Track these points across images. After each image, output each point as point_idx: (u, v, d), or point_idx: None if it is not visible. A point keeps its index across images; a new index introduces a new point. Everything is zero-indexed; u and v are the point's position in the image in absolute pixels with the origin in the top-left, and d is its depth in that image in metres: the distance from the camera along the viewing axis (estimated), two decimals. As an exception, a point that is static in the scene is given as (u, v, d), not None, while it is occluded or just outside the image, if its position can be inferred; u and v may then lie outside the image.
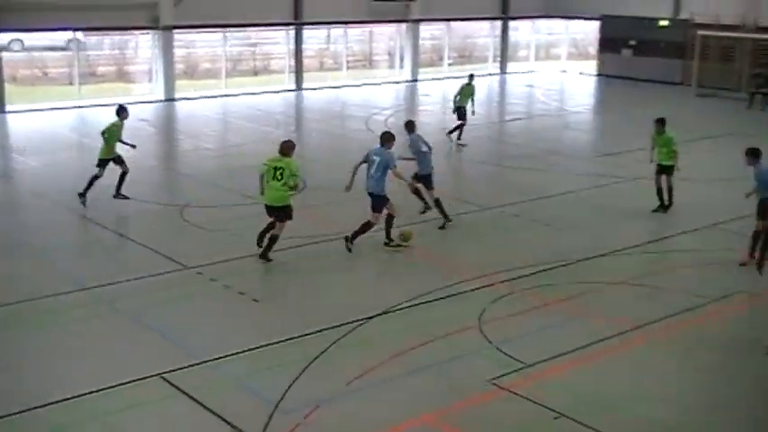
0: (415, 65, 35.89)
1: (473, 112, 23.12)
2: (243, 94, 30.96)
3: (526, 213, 16.45)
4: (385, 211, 14.13)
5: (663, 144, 16.37)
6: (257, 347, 10.42)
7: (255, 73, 34.18)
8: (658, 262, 13.90)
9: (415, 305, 11.84)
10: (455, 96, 23.21)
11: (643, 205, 17.06)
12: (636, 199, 17.68)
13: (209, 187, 18.13)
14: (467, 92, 23.06)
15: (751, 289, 12.63)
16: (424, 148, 15.48)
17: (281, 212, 13.45)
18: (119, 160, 16.62)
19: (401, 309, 11.71)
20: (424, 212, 15.54)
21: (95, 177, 16.36)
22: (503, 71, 38.82)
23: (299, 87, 32.61)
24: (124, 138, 16.76)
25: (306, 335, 10.78)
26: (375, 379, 9.68)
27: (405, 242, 14.32)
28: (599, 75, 38.03)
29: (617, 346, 10.69)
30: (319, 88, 33.00)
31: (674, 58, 34.99)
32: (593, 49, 40.03)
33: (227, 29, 31.40)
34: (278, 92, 31.90)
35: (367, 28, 36.27)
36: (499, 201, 17.21)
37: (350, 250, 13.99)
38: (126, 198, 16.73)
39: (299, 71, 32.81)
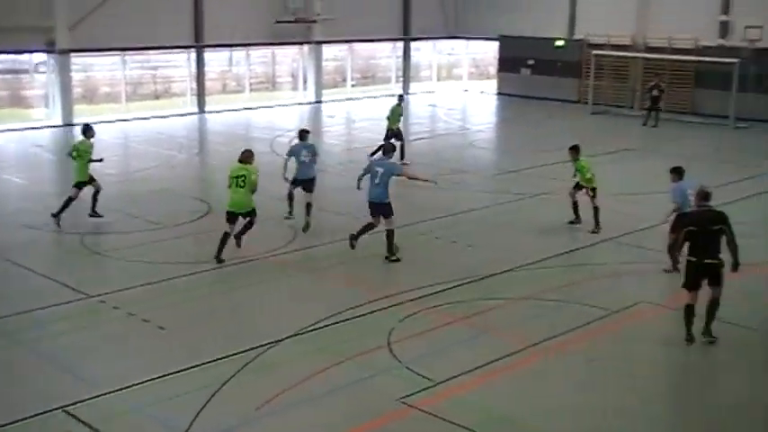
0: (319, 86, 35.97)
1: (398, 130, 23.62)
2: (144, 117, 30.49)
3: (433, 231, 16.63)
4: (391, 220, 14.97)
5: (579, 170, 16.82)
6: (163, 376, 10.22)
7: (157, 96, 33.67)
8: (562, 276, 14.20)
9: (326, 326, 11.81)
10: (388, 117, 23.57)
11: (546, 220, 17.47)
12: (539, 215, 18.07)
13: (112, 213, 17.73)
14: (397, 112, 23.50)
15: (653, 299, 13.03)
16: (303, 158, 16.76)
17: (245, 217, 14.65)
18: (91, 179, 16.82)
19: (311, 330, 11.67)
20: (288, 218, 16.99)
21: (70, 199, 16.58)
22: (405, 91, 39.22)
23: (201, 110, 32.29)
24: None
25: (214, 360, 10.63)
26: (285, 402, 9.61)
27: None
28: (499, 94, 38.84)
29: (523, 361, 10.87)
30: (222, 111, 32.73)
31: (570, 77, 36.02)
32: (493, 68, 40.86)
33: (126, 52, 30.89)
34: (180, 115, 31.52)
35: (269, 50, 36.17)
36: (406, 220, 17.31)
37: (398, 260, 14.80)
38: (100, 216, 16.85)
39: (201, 94, 32.50)
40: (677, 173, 14.30)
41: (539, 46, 37.00)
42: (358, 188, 15.57)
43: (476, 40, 40.96)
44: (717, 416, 9.75)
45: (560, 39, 36.54)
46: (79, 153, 16.65)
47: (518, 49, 37.83)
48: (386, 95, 37.98)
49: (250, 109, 33.38)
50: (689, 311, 11.42)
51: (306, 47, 35.54)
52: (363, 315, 12.23)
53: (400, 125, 23.43)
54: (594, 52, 33.92)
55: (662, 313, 12.62)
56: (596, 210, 16.67)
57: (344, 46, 37.54)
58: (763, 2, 30.86)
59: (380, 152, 21.92)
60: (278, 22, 33.09)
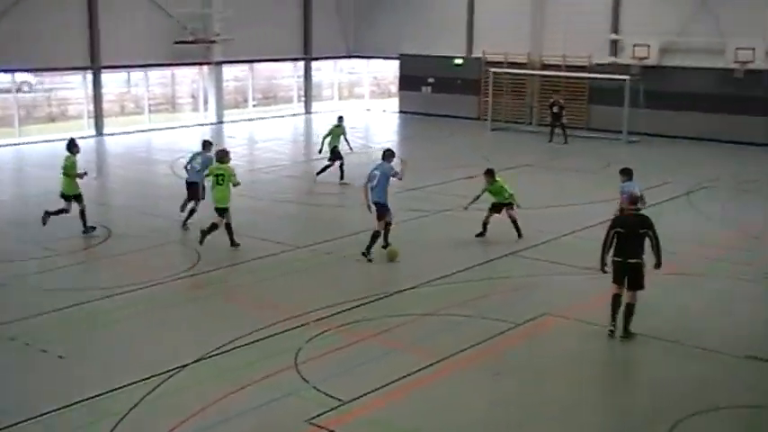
0: (220, 107, 35.62)
1: (350, 149, 24.12)
2: (39, 141, 29.60)
3: (338, 250, 16.61)
4: (383, 220, 16.14)
5: (497, 193, 17.12)
6: (62, 407, 9.89)
7: (52, 119, 32.79)
8: (468, 290, 14.35)
9: (231, 349, 11.65)
10: (324, 137, 23.75)
11: (450, 236, 17.68)
12: (443, 231, 18.27)
13: (5, 240, 17.16)
14: (337, 132, 23.61)
15: (557, 310, 13.30)
16: (195, 164, 18.20)
17: (226, 210, 16.34)
18: (79, 198, 17.32)
19: (216, 354, 11.49)
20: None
21: (63, 210, 17.31)
22: (307, 111, 39.24)
23: (99, 133, 31.53)
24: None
25: (116, 389, 10.36)
26: (192, 429, 9.42)
27: (391, 261, 15.27)
28: (401, 112, 39.20)
29: (432, 376, 10.94)
30: (121, 133, 32.05)
31: (470, 94, 36.63)
32: (394, 87, 41.24)
33: (18, 73, 29.98)
34: (78, 138, 30.65)
35: (169, 70, 35.69)
36: (310, 239, 17.30)
37: (370, 260, 15.80)
38: (94, 229, 17.54)
39: (98, 116, 31.75)
40: (626, 174, 15.88)
41: (438, 64, 37.54)
42: (366, 198, 16.21)
43: (376, 59, 41.31)
44: (623, 427, 10.02)
45: (459, 57, 37.16)
46: (67, 169, 17.25)
47: (418, 67, 38.30)
48: (289, 115, 38.01)
49: (150, 131, 32.80)
50: (615, 301, 12.34)
51: (206, 67, 35.18)
52: (270, 336, 12.11)
53: (344, 145, 23.63)
54: (492, 70, 34.61)
55: (566, 324, 12.89)
56: (515, 222, 17.22)
57: (245, 66, 37.30)
58: (651, 22, 32.08)
59: (326, 169, 22.75)
60: (177, 42, 32.67)
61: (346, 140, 23.82)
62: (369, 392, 10.32)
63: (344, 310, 13.14)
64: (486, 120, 34.48)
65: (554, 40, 34.62)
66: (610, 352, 12.04)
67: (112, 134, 31.64)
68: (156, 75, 35.15)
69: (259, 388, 10.45)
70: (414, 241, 17.53)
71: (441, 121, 35.84)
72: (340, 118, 24.38)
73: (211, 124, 34.83)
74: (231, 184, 16.37)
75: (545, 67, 34.87)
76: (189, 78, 36.73)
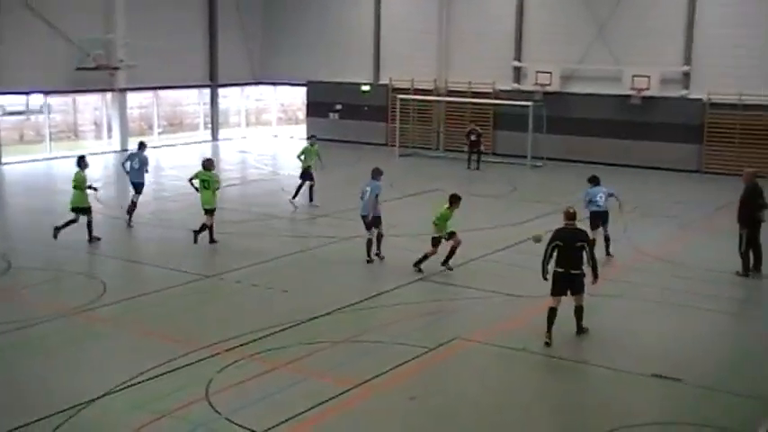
0: (124, 134, 34.94)
1: (322, 167, 24.40)
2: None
3: (247, 279, 16.45)
4: (374, 230, 17.70)
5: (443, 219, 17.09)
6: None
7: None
8: (380, 316, 14.40)
9: (141, 382, 11.38)
10: (299, 156, 24.05)
11: (360, 262, 17.70)
12: (352, 257, 18.28)
13: None
14: (311, 152, 23.85)
15: (467, 334, 13.44)
16: (134, 164, 21.19)
17: (213, 211, 18.95)
18: (88, 210, 18.98)
19: (125, 387, 11.21)
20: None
21: (72, 221, 18.85)
22: (214, 138, 38.87)
23: (-4, 162, 30.60)
24: None
25: (19, 428, 9.99)
26: (101, 466, 9.16)
27: (537, 242, 14.66)
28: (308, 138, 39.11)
29: (346, 403, 10.91)
30: (20, 162, 31.11)
31: (377, 120, 36.92)
32: (301, 113, 41.24)
33: None
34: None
35: (70, 97, 34.87)
36: (219, 268, 17.10)
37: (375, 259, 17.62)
38: (99, 239, 19.06)
39: (-4, 144, 30.80)
40: (593, 181, 18.71)
41: (346, 91, 37.74)
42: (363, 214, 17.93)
43: (283, 86, 41.28)
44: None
45: (366, 84, 37.44)
46: (77, 183, 18.96)
47: (326, 94, 38.43)
48: (195, 142, 37.56)
49: (51, 159, 31.93)
50: (552, 314, 13.10)
51: (109, 94, 34.54)
52: (180, 368, 11.89)
53: (317, 165, 24.03)
54: (399, 96, 34.98)
55: (476, 347, 13.04)
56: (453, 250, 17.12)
57: (150, 93, 36.77)
58: (552, 50, 33.01)
59: (309, 194, 23.46)
60: (79, 68, 31.97)
61: (319, 159, 24.15)
62: (283, 422, 10.22)
63: (256, 339, 13.01)
64: (393, 146, 34.77)
65: (459, 67, 35.29)
66: (520, 374, 12.22)
67: (11, 163, 30.70)
68: (57, 102, 34.30)
69: (170, 421, 10.24)
70: (324, 268, 17.51)
71: (349, 147, 35.96)
72: (313, 137, 24.85)
73: (115, 152, 34.14)
74: (214, 189, 18.92)
75: (451, 93, 35.45)
76: (91, 105, 35.96)
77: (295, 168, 25.20)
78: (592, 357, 12.65)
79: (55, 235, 18.70)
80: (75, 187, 19.17)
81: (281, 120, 43.00)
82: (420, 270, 16.93)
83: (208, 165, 19.41)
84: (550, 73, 32.68)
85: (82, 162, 19.52)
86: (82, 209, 19.03)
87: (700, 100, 30.69)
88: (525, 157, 31.43)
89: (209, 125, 39.20)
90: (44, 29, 31.36)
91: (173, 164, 31.70)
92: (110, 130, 35.08)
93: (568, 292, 13.19)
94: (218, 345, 12.72)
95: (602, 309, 14.98)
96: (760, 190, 17.17)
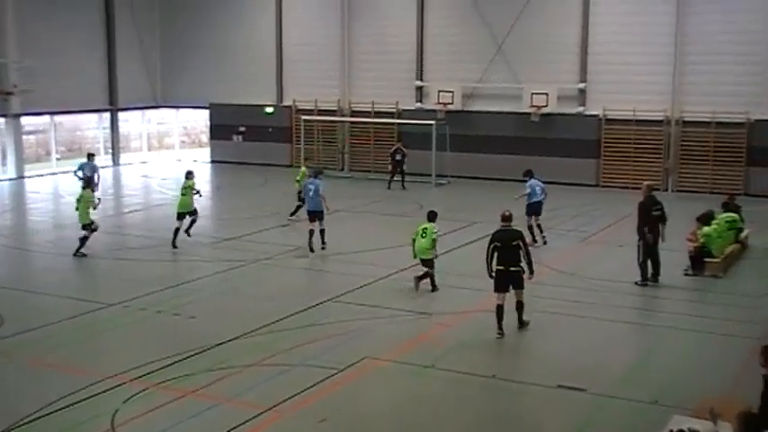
0: (20, 161, 33.94)
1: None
2: None
3: (154, 305, 16.15)
4: (317, 223, 20.17)
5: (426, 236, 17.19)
6: None
7: None
8: (289, 339, 14.29)
9: (43, 416, 11.05)
10: (297, 181, 24.41)
11: (269, 285, 17.65)
12: (261, 280, 18.19)
13: None
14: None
15: (377, 353, 13.48)
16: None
17: (190, 215, 21.26)
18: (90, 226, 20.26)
19: (28, 422, 10.86)
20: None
21: (86, 238, 20.06)
22: (116, 163, 38.10)
23: None
24: None
25: None
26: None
27: None
28: (213, 161, 38.80)
29: (257, 428, 10.81)
30: None
31: (282, 142, 36.81)
32: (205, 136, 40.82)
33: None
34: None
35: (-39, 124, 33.74)
36: (124, 295, 16.73)
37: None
38: (85, 255, 19.93)
39: None
40: (528, 174, 21.66)
41: (249, 113, 37.54)
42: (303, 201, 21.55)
43: (186, 109, 40.82)
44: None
45: (270, 105, 37.34)
46: (84, 201, 20.41)
47: (229, 116, 38.15)
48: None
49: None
50: (499, 310, 14.29)
51: (2, 119, 33.51)
52: (84, 400, 11.58)
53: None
54: (303, 117, 34.99)
55: (385, 366, 13.10)
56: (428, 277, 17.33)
57: (47, 118, 35.81)
58: (454, 69, 33.59)
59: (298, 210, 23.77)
60: (-32, 94, 31.01)
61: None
62: (192, 450, 10.07)
63: (163, 367, 12.78)
64: (299, 167, 34.63)
65: (362, 88, 35.57)
66: (430, 391, 12.32)
67: None
68: (-53, 129, 33.12)
69: (75, 455, 9.97)
70: (232, 292, 17.35)
71: (254, 169, 35.76)
72: (306, 159, 25.43)
73: (11, 180, 33.13)
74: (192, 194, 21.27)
75: (355, 113, 35.67)
76: (-15, 132, 34.80)
77: (202, 194, 24.86)
78: (499, 371, 12.86)
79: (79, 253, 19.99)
80: (81, 205, 20.67)
81: (184, 143, 42.45)
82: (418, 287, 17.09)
83: (188, 176, 21.66)
84: (452, 92, 33.22)
85: (90, 183, 23.33)
86: (87, 224, 20.46)
87: (596, 116, 31.66)
88: (430, 175, 31.79)
89: (110, 150, 38.38)
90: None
91: (72, 190, 30.86)
92: (4, 156, 34.00)
93: (510, 288, 14.33)
94: (124, 374, 12.45)
95: (506, 323, 15.26)
96: (651, 202, 17.76)
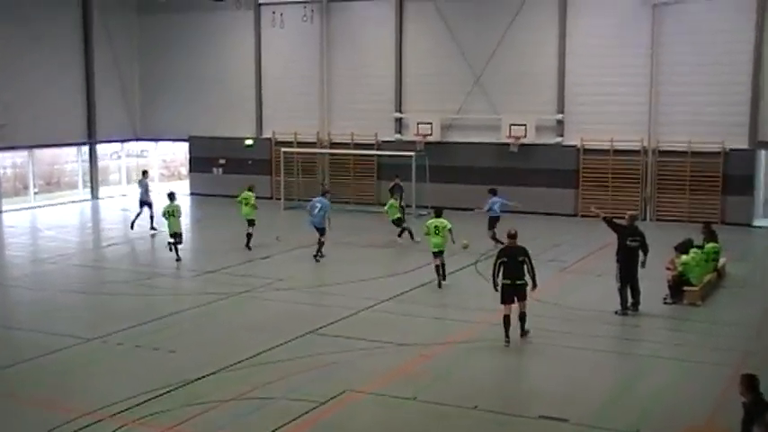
0: (-2, 195, 33.76)
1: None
2: None
3: (132, 339, 16.01)
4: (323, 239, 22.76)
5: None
6: None
7: None
8: (269, 372, 14.19)
9: (19, 455, 10.90)
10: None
11: (249, 318, 17.57)
12: (241, 313, 18.11)
13: None
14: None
15: (358, 386, 13.42)
16: None
17: (179, 236, 23.37)
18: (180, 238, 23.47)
19: (2, 461, 10.72)
20: None
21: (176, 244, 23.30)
22: (94, 197, 37.92)
23: None
24: None
25: None
26: None
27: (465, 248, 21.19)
28: (192, 194, 38.70)
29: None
30: None
31: (262, 174, 36.76)
32: (184, 169, 40.75)
33: None
34: None
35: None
36: (102, 330, 16.58)
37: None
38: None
39: None
40: (492, 192, 25.38)
41: (229, 145, 37.56)
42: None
43: (165, 142, 40.79)
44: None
45: (249, 138, 37.37)
46: (173, 212, 23.44)
47: (209, 149, 38.13)
48: (74, 201, 36.57)
49: None
50: (506, 320, 15.44)
51: (-20, 154, 33.37)
52: (62, 437, 11.45)
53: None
54: (283, 150, 35.02)
55: (367, 398, 13.04)
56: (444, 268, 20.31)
57: (24, 152, 35.63)
58: (432, 100, 33.83)
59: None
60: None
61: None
62: (171, 487, 9.95)
63: (142, 402, 12.65)
64: (279, 199, 34.70)
65: (341, 119, 35.73)
66: (411, 424, 12.25)
67: None
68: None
69: (52, 493, 9.82)
70: (212, 325, 17.25)
71: (234, 202, 35.59)
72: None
73: (-11, 213, 32.90)
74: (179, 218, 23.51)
75: (334, 145, 35.77)
76: (-39, 166, 34.60)
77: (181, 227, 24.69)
78: (481, 403, 12.81)
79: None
80: (170, 217, 23.38)
81: (163, 176, 42.33)
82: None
83: (170, 197, 23.95)
84: (431, 123, 33.39)
85: (172, 196, 24.31)
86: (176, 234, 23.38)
87: (574, 146, 31.90)
88: (410, 206, 31.82)
89: (89, 183, 38.22)
90: None
91: (50, 224, 30.72)
92: (-19, 191, 33.79)
93: (515, 300, 15.50)
94: (102, 410, 12.31)
95: (486, 353, 15.27)
96: (629, 232, 17.86)
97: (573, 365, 14.77)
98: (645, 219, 30.48)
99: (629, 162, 31.10)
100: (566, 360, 15.02)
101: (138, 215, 28.44)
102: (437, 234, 20.02)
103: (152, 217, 27.97)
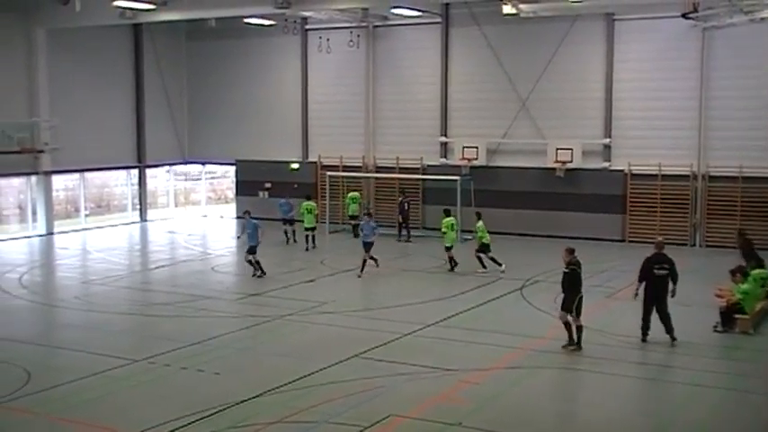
0: (50, 218, 34.36)
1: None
2: None
3: (178, 361, 16.15)
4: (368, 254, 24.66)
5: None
6: None
7: None
8: (314, 396, 14.19)
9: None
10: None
11: (294, 341, 17.60)
12: (286, 336, 18.16)
13: None
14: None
15: (402, 410, 13.36)
16: None
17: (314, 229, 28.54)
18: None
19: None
20: None
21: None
22: (143, 219, 38.47)
23: None
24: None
25: None
26: None
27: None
28: (238, 217, 39.00)
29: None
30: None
31: (308, 198, 36.83)
32: (231, 192, 41.17)
33: None
34: None
35: (-7, 181, 34.18)
36: (148, 351, 16.75)
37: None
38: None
39: None
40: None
41: (275, 169, 37.88)
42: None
43: (212, 165, 41.29)
44: None
45: (295, 161, 37.65)
46: (310, 210, 28.62)
47: (255, 172, 38.49)
48: (124, 223, 37.13)
49: (-27, 244, 31.20)
50: (571, 326, 16.80)
51: (34, 177, 34.03)
52: (108, 457, 11.55)
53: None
54: (328, 173, 35.20)
55: (411, 423, 12.97)
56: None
57: (76, 175, 36.32)
58: (478, 125, 33.82)
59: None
60: (1, 152, 31.51)
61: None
62: None
63: (187, 424, 12.73)
64: (324, 222, 34.82)
65: (387, 143, 35.88)
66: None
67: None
68: (-22, 186, 33.64)
69: None
70: (257, 348, 17.33)
71: (279, 225, 35.81)
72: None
73: (40, 236, 33.51)
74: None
75: (379, 169, 35.87)
76: (15, 189, 35.30)
77: (219, 250, 24.94)
78: (526, 429, 12.67)
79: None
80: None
81: (210, 199, 42.82)
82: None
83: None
84: (476, 147, 33.35)
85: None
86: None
87: (621, 171, 31.62)
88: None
89: (138, 206, 38.81)
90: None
91: (100, 246, 31.20)
92: (34, 213, 34.44)
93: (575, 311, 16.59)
94: (148, 431, 12.41)
95: (530, 380, 15.12)
96: (655, 260, 17.55)
97: (618, 393, 14.57)
98: (694, 245, 30.10)
99: (678, 187, 30.71)
100: (611, 388, 14.81)
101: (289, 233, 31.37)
102: (452, 230, 25.23)
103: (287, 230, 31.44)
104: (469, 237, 31.65)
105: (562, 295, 16.94)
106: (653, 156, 30.88)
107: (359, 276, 24.15)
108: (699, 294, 17.76)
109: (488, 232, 25.47)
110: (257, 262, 24.48)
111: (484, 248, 25.38)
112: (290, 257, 28.29)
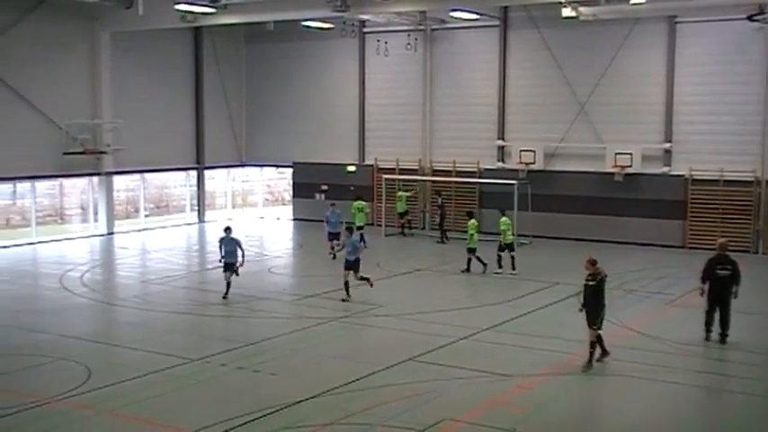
0: (110, 218, 35.00)
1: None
2: None
3: (234, 361, 16.31)
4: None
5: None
6: None
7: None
8: (368, 398, 14.22)
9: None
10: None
11: (348, 344, 17.65)
12: (341, 338, 18.22)
13: None
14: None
15: (455, 414, 13.31)
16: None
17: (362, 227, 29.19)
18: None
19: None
20: None
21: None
22: (201, 220, 38.97)
23: (-18, 246, 30.49)
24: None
25: None
26: None
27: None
28: (295, 219, 39.32)
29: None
30: (6, 246, 31.03)
31: (364, 200, 36.95)
32: (288, 194, 41.47)
33: None
34: (-42, 252, 29.61)
35: (57, 182, 34.97)
36: (205, 351, 16.95)
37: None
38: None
39: (-18, 229, 30.74)
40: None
41: (331, 171, 38.06)
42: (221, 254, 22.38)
43: (269, 167, 41.66)
44: None
45: (351, 164, 37.78)
46: (361, 209, 29.86)
47: (311, 174, 38.73)
48: (182, 224, 37.66)
49: (37, 243, 31.89)
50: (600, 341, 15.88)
51: (96, 178, 34.69)
52: (165, 455, 11.70)
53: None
54: (385, 176, 35.25)
55: (464, 428, 12.91)
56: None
57: (136, 176, 36.96)
58: (535, 129, 33.59)
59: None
60: (66, 153, 32.21)
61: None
62: None
63: (243, 424, 12.85)
64: (380, 225, 34.90)
65: (443, 147, 35.79)
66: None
67: (-3, 247, 30.66)
68: (43, 186, 34.40)
69: None
70: (312, 349, 17.40)
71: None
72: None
73: (101, 235, 34.14)
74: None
75: (436, 173, 35.81)
76: (78, 189, 36.06)
77: (276, 252, 25.15)
78: (581, 437, 12.55)
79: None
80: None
81: (267, 201, 43.18)
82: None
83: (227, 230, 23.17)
84: (534, 151, 33.11)
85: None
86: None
87: (682, 176, 31.10)
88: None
89: (196, 207, 39.34)
90: (33, 115, 31.69)
91: (159, 246, 31.68)
92: (96, 213, 35.11)
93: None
94: (205, 430, 12.55)
95: (584, 386, 14.93)
96: (717, 261, 17.54)
97: (674, 401, 14.31)
98: (757, 252, 29.48)
99: (741, 193, 30.11)
100: (667, 396, 14.55)
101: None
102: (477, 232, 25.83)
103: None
104: (527, 241, 31.49)
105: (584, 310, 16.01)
106: (715, 161, 30.33)
107: (343, 300, 21.48)
108: (761, 302, 17.37)
109: (545, 237, 25.25)
110: (229, 284, 22.22)
111: (506, 247, 25.78)
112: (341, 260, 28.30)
